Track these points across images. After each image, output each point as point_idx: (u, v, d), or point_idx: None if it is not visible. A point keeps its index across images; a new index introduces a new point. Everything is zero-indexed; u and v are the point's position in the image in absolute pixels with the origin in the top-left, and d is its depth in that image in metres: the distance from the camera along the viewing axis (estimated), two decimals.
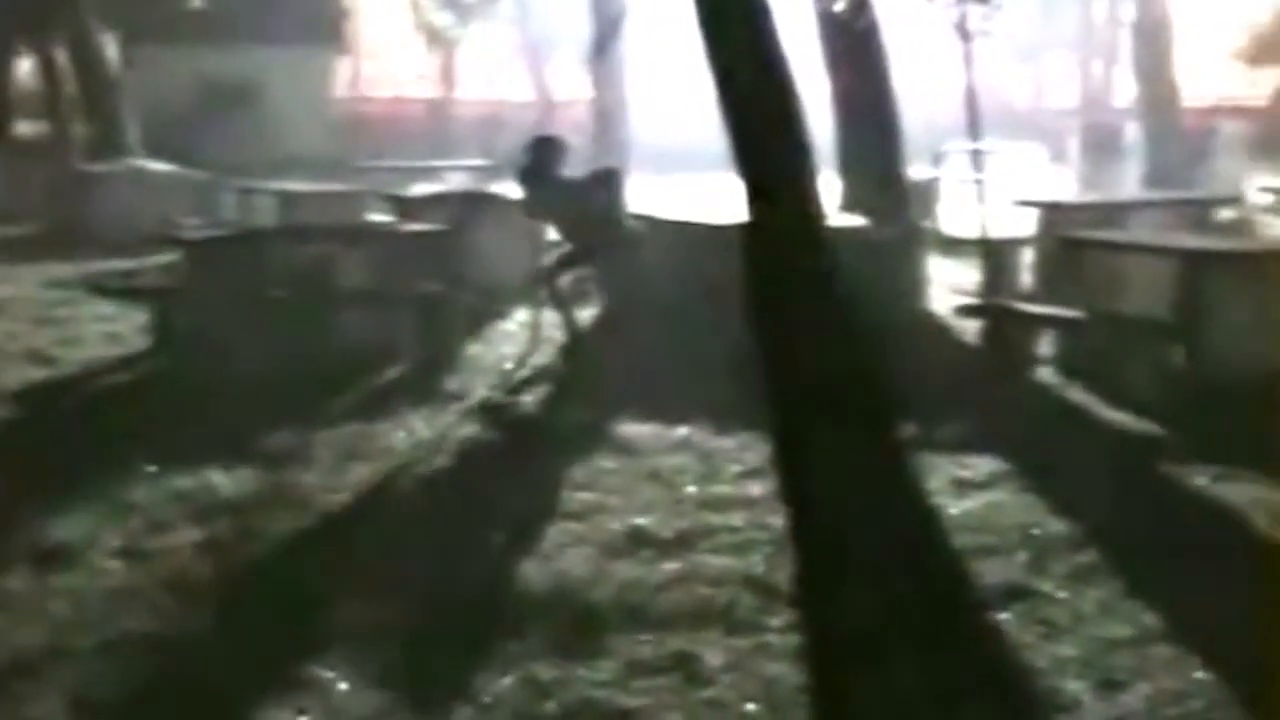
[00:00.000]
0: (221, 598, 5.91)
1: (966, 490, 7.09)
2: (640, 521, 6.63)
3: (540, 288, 11.36)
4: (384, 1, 44.20)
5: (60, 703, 4.84)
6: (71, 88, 25.51)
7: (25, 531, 6.56)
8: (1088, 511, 6.62)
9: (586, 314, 11.83)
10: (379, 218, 14.66)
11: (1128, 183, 26.01)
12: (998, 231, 10.81)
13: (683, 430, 8.27)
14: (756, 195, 5.70)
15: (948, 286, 12.60)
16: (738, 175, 5.77)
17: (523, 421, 9.07)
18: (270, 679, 4.99)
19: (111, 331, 11.76)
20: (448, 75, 42.56)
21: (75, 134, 25.22)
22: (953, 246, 15.00)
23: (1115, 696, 4.81)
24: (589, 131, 28.35)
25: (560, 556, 6.21)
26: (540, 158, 11.12)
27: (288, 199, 16.77)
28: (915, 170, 16.11)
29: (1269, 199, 21.95)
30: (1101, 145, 29.08)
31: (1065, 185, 26.07)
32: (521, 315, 11.94)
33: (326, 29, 37.17)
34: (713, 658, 5.13)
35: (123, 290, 12.81)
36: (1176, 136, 26.66)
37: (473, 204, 14.20)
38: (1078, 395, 9.35)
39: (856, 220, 11.83)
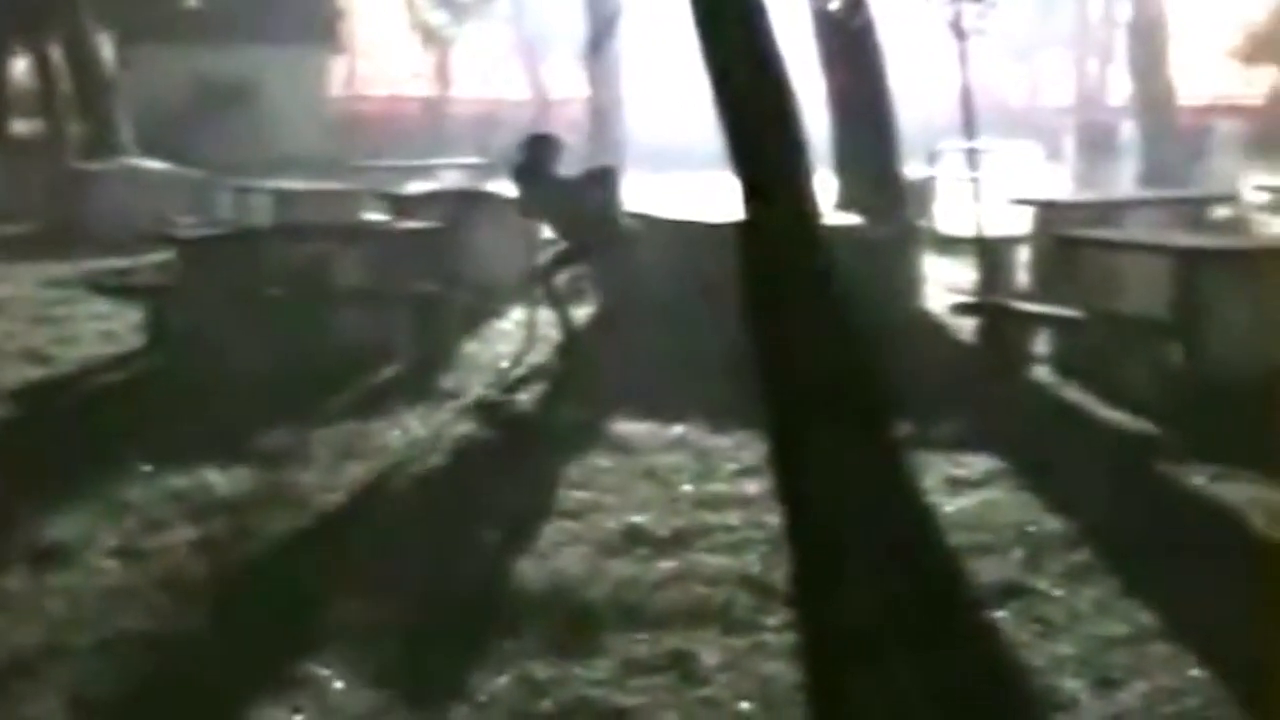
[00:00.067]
0: (217, 596, 5.90)
1: (962, 488, 7.09)
2: (636, 520, 6.63)
3: (536, 286, 11.35)
4: (379, 0, 44.20)
5: (57, 702, 4.84)
6: (67, 86, 25.50)
7: (21, 530, 6.55)
8: (1084, 510, 6.62)
9: (582, 312, 11.83)
10: (375, 216, 14.65)
11: (1123, 181, 26.03)
12: (993, 230, 10.82)
13: (679, 429, 8.27)
14: (752, 194, 5.70)
15: (943, 285, 12.60)
16: (734, 174, 5.77)
17: (518, 420, 9.07)
18: (266, 677, 4.98)
19: (107, 330, 11.76)
20: (443, 74, 42.55)
21: (71, 133, 25.21)
22: (948, 245, 15.00)
23: (1112, 695, 4.80)
24: (585, 130, 28.37)
25: (556, 555, 6.21)
26: (534, 156, 11.11)
27: (283, 198, 16.77)
28: (911, 169, 16.11)
29: (1265, 197, 21.95)
30: (1097, 144, 29.10)
31: (1061, 184, 26.09)
32: (517, 314, 11.93)
33: (322, 28, 37.17)
34: (709, 656, 5.13)
35: (118, 289, 12.79)
36: (1172, 135, 26.68)
37: (468, 202, 14.19)
38: (1073, 394, 9.34)
39: (852, 219, 11.83)
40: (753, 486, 7.05)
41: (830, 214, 9.24)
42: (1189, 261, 8.94)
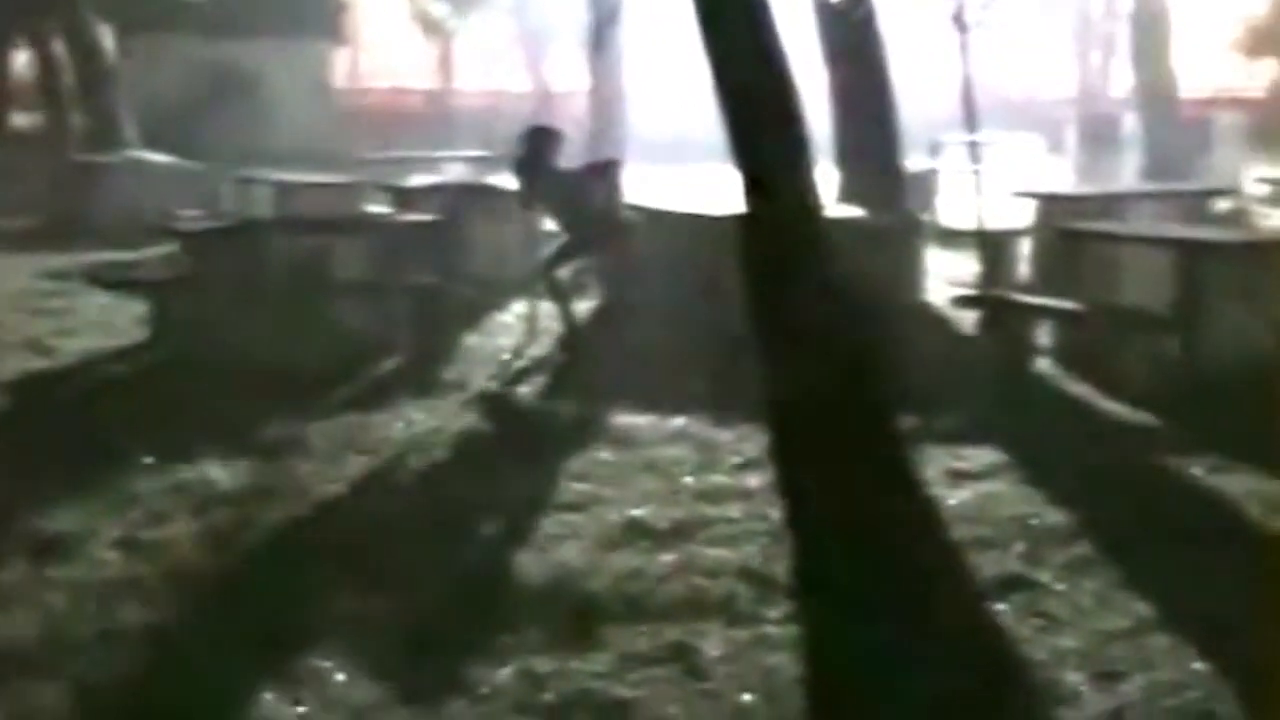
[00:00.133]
0: (219, 589, 5.91)
1: (963, 481, 7.08)
2: (637, 513, 6.63)
3: (538, 279, 11.35)
4: None
5: (59, 693, 4.84)
6: (69, 79, 25.46)
7: (23, 523, 6.55)
8: (1085, 502, 6.62)
9: (584, 305, 11.83)
10: (377, 209, 14.65)
11: (1125, 174, 26.02)
12: (995, 223, 10.81)
13: (680, 421, 8.27)
14: (754, 186, 5.70)
15: (945, 278, 12.61)
16: (735, 166, 5.77)
17: (520, 412, 9.08)
18: (268, 669, 4.98)
19: (109, 322, 11.76)
20: (445, 66, 42.55)
21: (73, 125, 25.18)
22: (950, 238, 15.00)
23: (1114, 687, 4.80)
24: (587, 122, 28.36)
25: (557, 547, 6.21)
26: (535, 148, 11.10)
27: (285, 190, 16.77)
28: (912, 161, 16.11)
29: (1266, 190, 21.96)
30: (1099, 136, 29.10)
31: (1063, 176, 26.07)
32: (519, 306, 11.94)
33: (324, 20, 37.10)
34: (710, 649, 5.13)
35: (120, 281, 12.80)
36: (1174, 128, 26.66)
37: (470, 195, 14.19)
38: (1075, 386, 9.35)
39: (854, 211, 11.82)
40: (754, 479, 7.05)
41: (832, 207, 9.22)
42: (1190, 255, 8.94)
